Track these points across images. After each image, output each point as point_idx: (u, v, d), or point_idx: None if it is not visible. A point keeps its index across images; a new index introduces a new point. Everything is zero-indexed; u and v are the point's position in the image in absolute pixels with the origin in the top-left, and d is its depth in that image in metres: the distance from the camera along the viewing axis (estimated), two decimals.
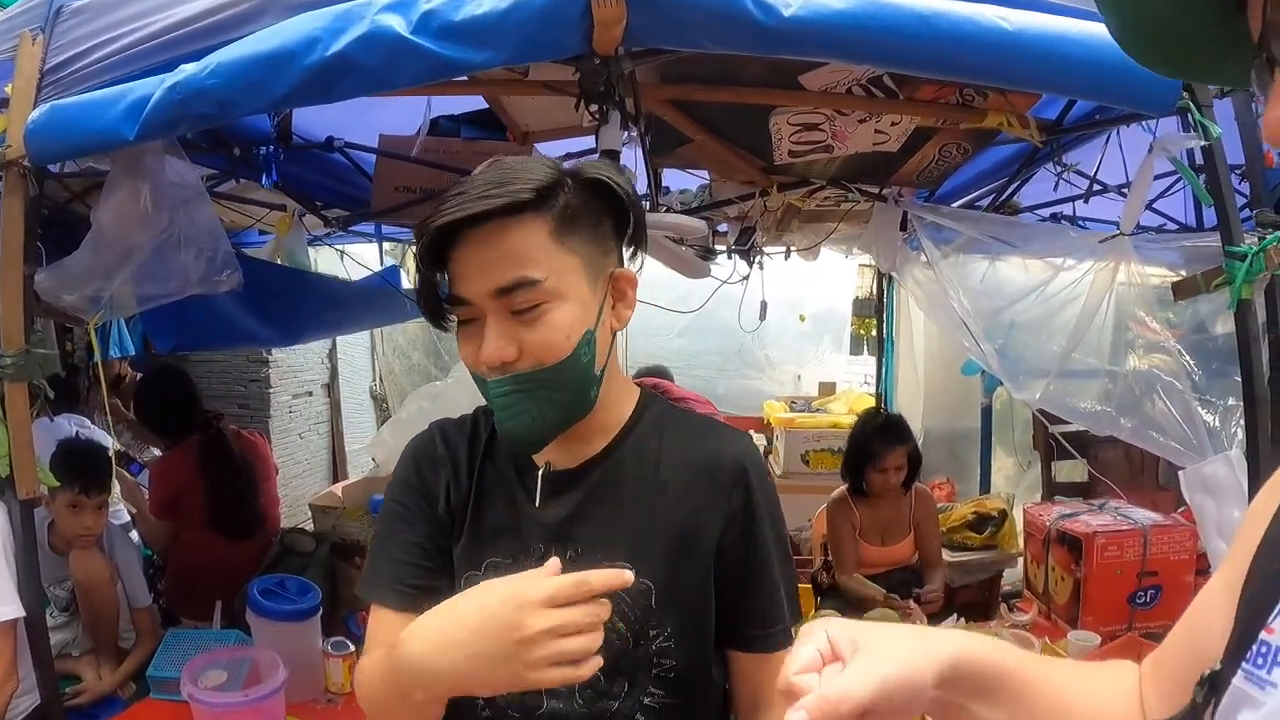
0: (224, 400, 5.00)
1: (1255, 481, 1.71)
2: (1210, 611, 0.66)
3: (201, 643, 2.33)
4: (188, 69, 1.54)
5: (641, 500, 1.10)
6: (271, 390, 5.25)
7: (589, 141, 2.89)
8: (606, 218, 1.07)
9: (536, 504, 1.10)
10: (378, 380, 7.10)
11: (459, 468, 1.15)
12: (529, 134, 2.88)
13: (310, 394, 5.83)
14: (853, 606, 2.86)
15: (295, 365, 5.58)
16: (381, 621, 1.09)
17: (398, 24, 1.42)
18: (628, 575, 0.58)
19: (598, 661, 0.84)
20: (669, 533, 1.09)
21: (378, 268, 4.07)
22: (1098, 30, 1.57)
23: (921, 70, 1.68)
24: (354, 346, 6.54)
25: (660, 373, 3.67)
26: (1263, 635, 0.55)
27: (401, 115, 2.75)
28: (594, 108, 1.75)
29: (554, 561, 0.88)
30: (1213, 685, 0.58)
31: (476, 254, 0.99)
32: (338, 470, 6.21)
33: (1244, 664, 0.56)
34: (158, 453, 3.61)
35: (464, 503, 1.14)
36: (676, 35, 1.48)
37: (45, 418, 2.23)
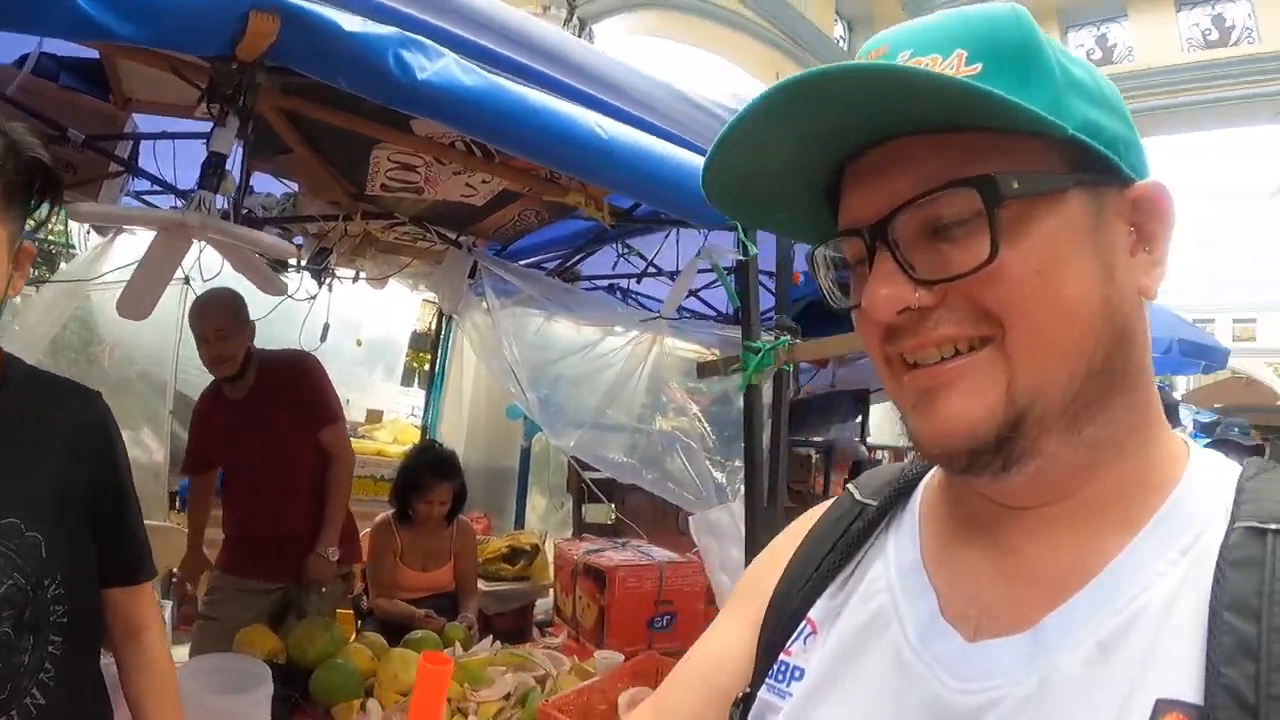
0: None
1: (751, 528, 2.12)
2: (726, 652, 0.75)
3: None
4: None
5: (24, 457, 1.17)
6: None
7: (189, 125, 2.65)
8: (33, 195, 1.10)
9: None
10: None
11: None
12: (130, 100, 2.59)
13: None
14: (391, 629, 2.90)
15: None
16: None
17: None
18: None
19: None
20: (52, 487, 1.19)
21: None
22: (675, 151, 1.92)
23: (522, 153, 1.85)
24: None
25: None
26: (782, 657, 0.67)
27: None
28: (215, 106, 1.67)
29: None
30: (745, 705, 0.69)
31: None
32: None
33: (767, 680, 0.67)
34: None
35: None
36: (318, 66, 1.50)
37: None
